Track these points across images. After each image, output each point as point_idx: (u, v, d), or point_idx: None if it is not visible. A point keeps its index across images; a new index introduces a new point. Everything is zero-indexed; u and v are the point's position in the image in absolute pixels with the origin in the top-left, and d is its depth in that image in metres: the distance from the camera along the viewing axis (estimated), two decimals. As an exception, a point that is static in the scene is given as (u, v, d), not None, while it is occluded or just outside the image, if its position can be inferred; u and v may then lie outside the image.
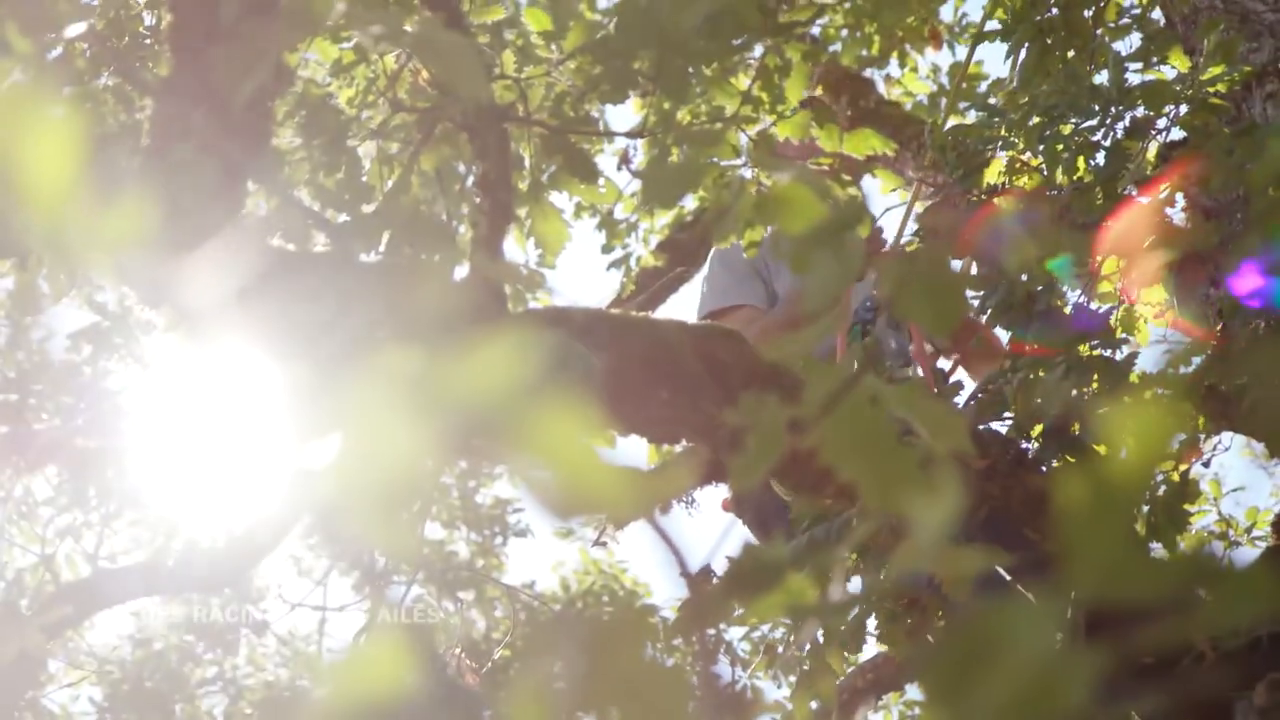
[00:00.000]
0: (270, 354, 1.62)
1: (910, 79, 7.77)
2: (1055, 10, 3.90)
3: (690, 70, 2.38)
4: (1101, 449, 3.02)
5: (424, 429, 0.67)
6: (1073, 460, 3.13)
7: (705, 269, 4.50)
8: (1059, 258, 2.92)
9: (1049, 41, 3.89)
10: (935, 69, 8.22)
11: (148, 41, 3.55)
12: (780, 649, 3.63)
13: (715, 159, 2.17)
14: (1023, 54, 3.95)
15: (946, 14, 7.85)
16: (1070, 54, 3.86)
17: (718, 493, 3.47)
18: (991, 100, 3.97)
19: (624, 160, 2.93)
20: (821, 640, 3.20)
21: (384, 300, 1.28)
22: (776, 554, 1.27)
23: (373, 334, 1.22)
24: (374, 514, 0.67)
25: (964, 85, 6.53)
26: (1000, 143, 3.44)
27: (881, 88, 7.41)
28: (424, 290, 1.25)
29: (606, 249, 7.08)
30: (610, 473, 0.74)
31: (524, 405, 0.68)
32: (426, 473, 0.67)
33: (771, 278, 4.37)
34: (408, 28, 1.57)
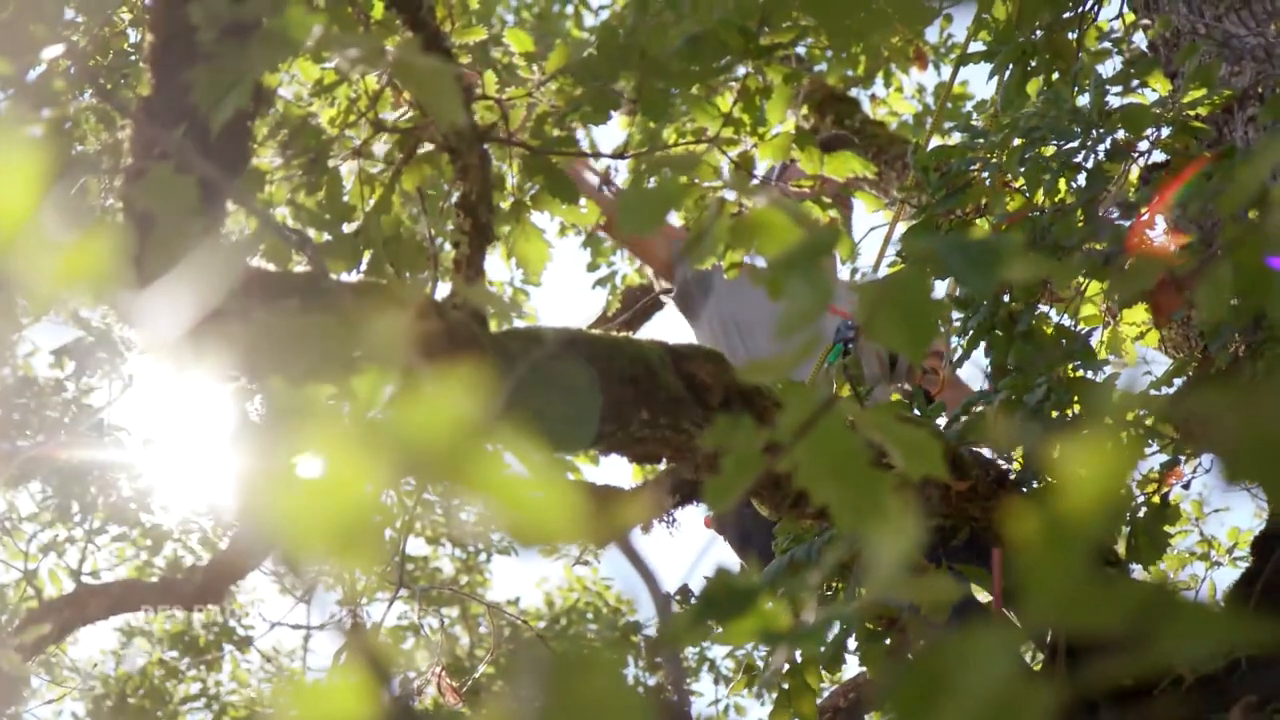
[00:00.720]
0: (246, 375, 1.62)
1: (896, 99, 7.81)
2: (1039, 33, 3.91)
3: (672, 92, 2.39)
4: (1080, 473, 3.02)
5: (380, 462, 0.67)
6: (1054, 483, 3.13)
7: None
8: None
9: (1032, 64, 3.91)
10: (920, 89, 8.26)
11: (133, 58, 3.55)
12: (760, 667, 3.63)
13: (695, 180, 2.18)
14: (1006, 75, 3.96)
15: (932, 35, 7.88)
16: (1054, 76, 3.88)
17: (699, 511, 3.47)
18: (975, 121, 3.99)
19: (605, 181, 2.95)
20: (800, 660, 3.20)
21: (359, 323, 1.28)
22: (749, 579, 1.28)
23: (346, 358, 1.22)
24: (335, 542, 0.68)
25: (949, 105, 6.56)
26: (983, 164, 3.45)
27: (867, 107, 7.44)
28: (399, 313, 1.26)
29: (591, 267, 7.12)
30: (559, 505, 0.74)
31: (469, 444, 0.68)
32: (388, 503, 0.68)
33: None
34: (388, 47, 1.58)
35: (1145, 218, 3.11)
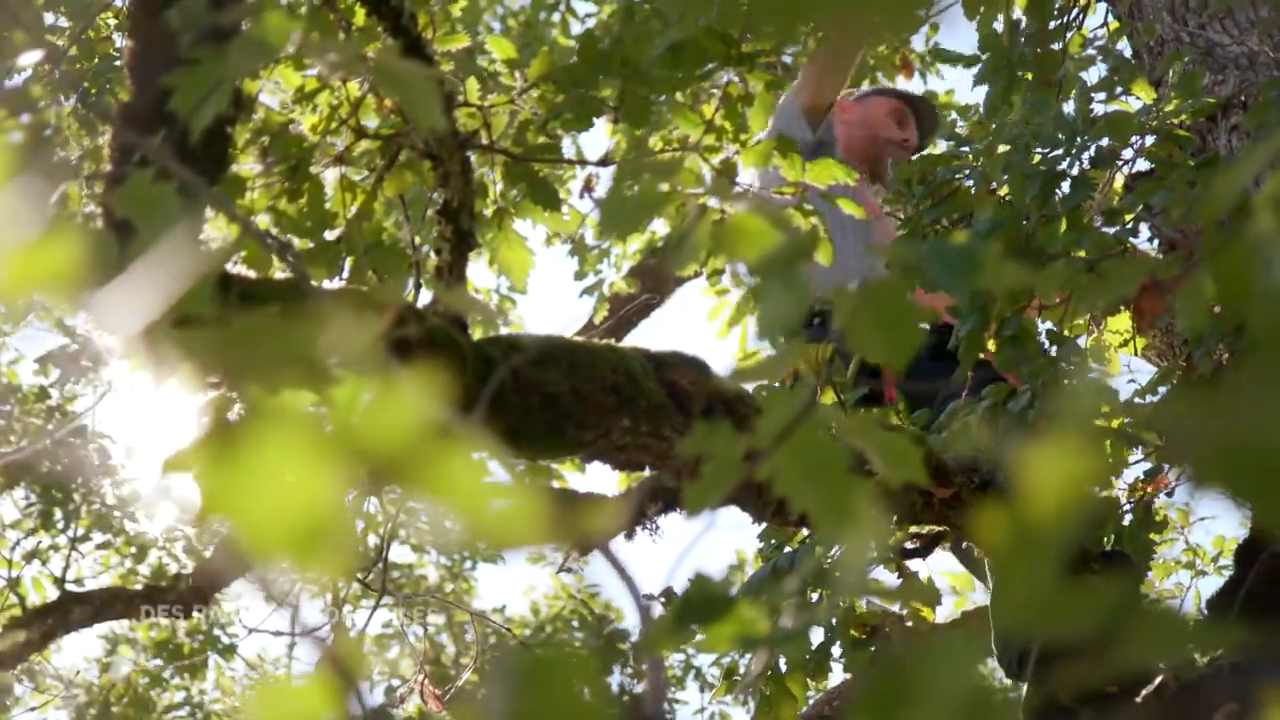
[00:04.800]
0: (222, 380, 1.62)
1: (882, 107, 7.80)
2: (1024, 41, 3.92)
3: (653, 99, 2.39)
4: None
5: (340, 466, 0.67)
6: (1022, 488, 3.13)
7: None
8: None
9: (1018, 73, 3.91)
10: (907, 97, 8.26)
11: (117, 63, 3.54)
12: (740, 674, 3.63)
13: (677, 187, 2.17)
14: (991, 83, 3.97)
15: (919, 43, 7.90)
16: (1037, 84, 3.88)
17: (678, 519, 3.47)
18: (960, 128, 3.99)
19: (587, 188, 2.94)
20: (784, 667, 3.20)
21: (337, 328, 1.28)
22: (724, 585, 1.28)
23: (323, 363, 1.22)
24: (296, 547, 0.67)
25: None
26: (968, 171, 3.45)
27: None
28: (377, 318, 1.25)
29: (578, 275, 7.11)
30: (519, 511, 0.74)
31: (427, 448, 0.68)
32: (358, 508, 0.67)
33: None
34: (369, 53, 1.57)
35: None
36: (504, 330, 7.83)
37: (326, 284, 2.50)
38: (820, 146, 4.38)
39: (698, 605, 1.30)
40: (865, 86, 6.11)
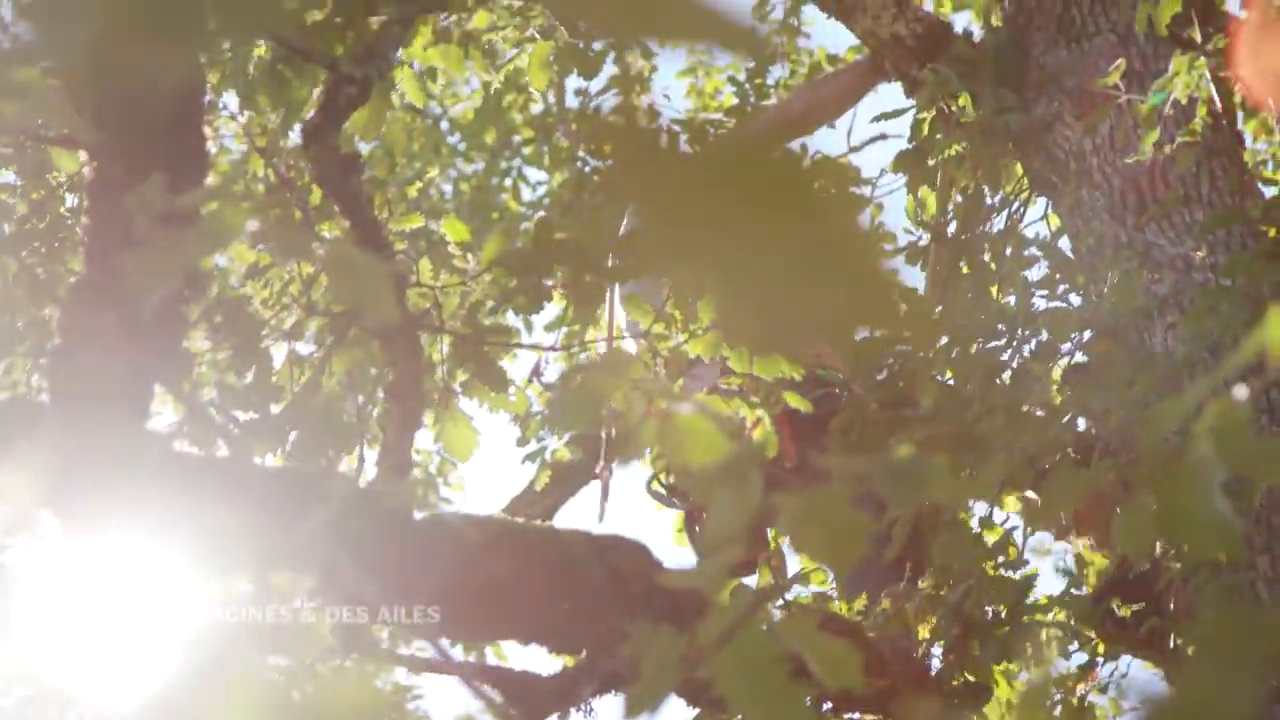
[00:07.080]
0: (166, 557, 1.61)
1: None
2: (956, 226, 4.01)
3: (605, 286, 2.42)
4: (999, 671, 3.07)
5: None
6: (974, 679, 3.15)
7: None
8: None
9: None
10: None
11: (69, 222, 3.54)
12: None
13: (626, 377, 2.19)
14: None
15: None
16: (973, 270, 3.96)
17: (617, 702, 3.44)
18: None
19: (535, 373, 2.96)
20: None
21: (280, 515, 1.28)
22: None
23: (265, 551, 1.22)
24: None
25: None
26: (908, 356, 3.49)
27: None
28: (326, 508, 1.25)
29: (521, 442, 7.08)
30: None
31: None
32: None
33: None
34: (324, 236, 1.59)
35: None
36: (443, 491, 7.77)
37: (270, 459, 2.49)
38: None
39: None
40: None
